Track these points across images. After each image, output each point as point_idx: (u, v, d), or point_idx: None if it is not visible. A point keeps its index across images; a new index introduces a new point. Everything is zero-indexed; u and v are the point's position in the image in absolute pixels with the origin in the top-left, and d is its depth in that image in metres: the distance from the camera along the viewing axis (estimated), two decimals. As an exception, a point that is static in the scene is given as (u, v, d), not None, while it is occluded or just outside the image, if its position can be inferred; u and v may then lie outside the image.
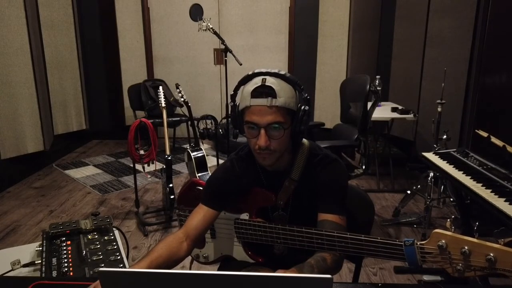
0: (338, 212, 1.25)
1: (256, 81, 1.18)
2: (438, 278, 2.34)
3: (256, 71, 1.21)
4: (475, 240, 0.93)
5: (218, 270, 1.52)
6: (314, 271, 1.14)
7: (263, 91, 1.15)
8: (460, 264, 0.94)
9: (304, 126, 1.20)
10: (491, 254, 0.90)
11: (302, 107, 1.19)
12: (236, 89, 1.25)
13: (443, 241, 0.95)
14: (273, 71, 1.20)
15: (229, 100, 1.28)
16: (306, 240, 1.17)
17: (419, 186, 3.13)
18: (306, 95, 1.22)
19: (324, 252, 1.19)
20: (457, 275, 0.95)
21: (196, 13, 3.34)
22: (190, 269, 1.83)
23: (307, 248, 1.18)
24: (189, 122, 3.71)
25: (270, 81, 1.17)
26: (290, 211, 1.34)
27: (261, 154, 1.21)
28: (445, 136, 2.79)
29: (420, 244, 1.01)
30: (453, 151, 2.28)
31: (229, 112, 1.28)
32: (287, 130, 1.18)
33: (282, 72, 1.20)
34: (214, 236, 1.49)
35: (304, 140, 1.31)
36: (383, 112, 3.72)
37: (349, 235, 1.10)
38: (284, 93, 1.16)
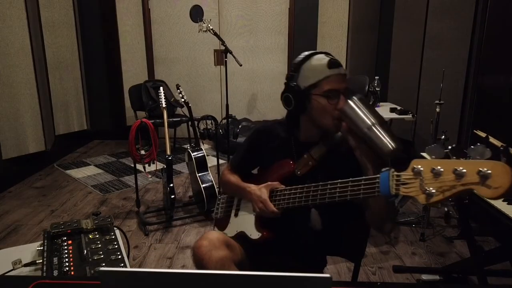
0: None
1: (320, 57, 1.34)
2: (437, 277, 2.35)
3: (308, 53, 1.37)
4: (449, 160, 0.92)
5: None
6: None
7: (336, 63, 1.33)
8: (431, 188, 0.91)
9: None
10: (460, 168, 0.88)
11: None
12: (296, 70, 1.36)
13: (419, 166, 0.94)
14: (326, 52, 1.39)
15: (291, 82, 1.37)
16: (320, 193, 1.25)
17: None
18: None
19: None
20: (426, 202, 0.93)
21: (196, 14, 3.35)
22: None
23: (321, 201, 1.25)
24: (190, 123, 3.73)
25: (331, 56, 1.35)
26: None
27: (337, 121, 1.31)
28: (443, 137, 2.79)
29: (397, 172, 1.03)
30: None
31: (289, 94, 1.37)
32: None
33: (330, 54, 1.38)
34: (237, 215, 1.56)
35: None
36: (382, 112, 3.70)
37: (338, 182, 1.21)
38: None
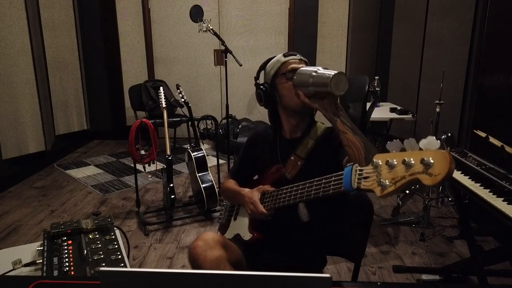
0: None
1: (279, 55, 1.48)
2: (437, 277, 2.35)
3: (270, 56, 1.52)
4: (399, 152, 0.93)
5: None
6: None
7: (292, 52, 1.47)
8: (385, 179, 0.93)
9: None
10: (409, 158, 0.88)
11: None
12: (259, 73, 1.53)
13: (378, 160, 0.96)
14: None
15: (259, 85, 1.50)
16: (294, 192, 1.31)
17: (417, 186, 3.14)
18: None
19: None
20: (381, 194, 0.94)
21: (196, 14, 3.35)
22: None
23: (300, 199, 1.29)
24: (190, 123, 3.73)
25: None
26: None
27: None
28: (443, 136, 2.80)
29: (360, 168, 1.05)
30: (452, 151, 2.30)
31: (259, 91, 1.49)
32: None
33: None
34: (236, 218, 1.62)
35: (321, 124, 1.51)
36: (382, 112, 3.73)
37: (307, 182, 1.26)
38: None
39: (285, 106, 1.46)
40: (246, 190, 1.48)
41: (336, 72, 1.22)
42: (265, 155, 1.55)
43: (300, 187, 1.28)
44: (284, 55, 1.46)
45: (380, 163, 0.96)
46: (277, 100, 1.47)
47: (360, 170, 1.04)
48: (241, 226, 1.55)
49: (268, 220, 1.41)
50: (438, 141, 0.86)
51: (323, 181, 1.19)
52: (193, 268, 1.34)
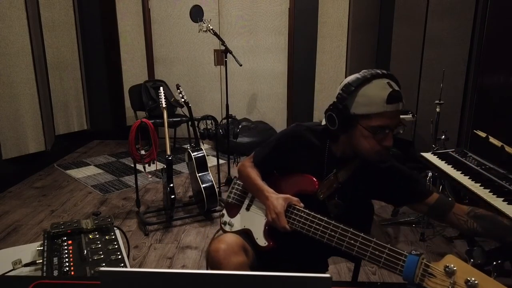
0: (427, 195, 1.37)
1: (382, 85, 1.22)
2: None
3: (371, 72, 1.25)
4: (486, 276, 0.87)
5: None
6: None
7: (397, 97, 1.21)
8: None
9: None
10: None
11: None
12: (349, 92, 1.24)
13: (453, 266, 0.89)
14: (388, 72, 1.27)
15: (339, 105, 1.28)
16: (340, 238, 1.19)
17: None
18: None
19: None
20: None
21: (196, 14, 3.35)
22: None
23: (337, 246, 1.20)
24: (190, 123, 3.73)
25: (394, 85, 1.24)
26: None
27: (384, 154, 1.30)
28: (443, 136, 2.80)
29: (426, 260, 0.96)
30: (452, 151, 2.30)
31: (334, 114, 1.28)
32: None
33: (392, 74, 1.28)
34: (249, 209, 1.53)
35: None
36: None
37: (362, 235, 1.14)
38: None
39: (352, 144, 1.31)
40: (271, 194, 1.36)
41: None
42: (306, 157, 1.42)
43: (340, 231, 1.18)
44: (388, 100, 1.19)
45: (455, 270, 0.89)
46: (348, 132, 1.29)
47: (426, 266, 0.96)
48: (255, 224, 1.47)
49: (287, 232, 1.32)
50: None
51: (373, 244, 1.10)
52: (212, 270, 1.30)
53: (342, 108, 1.26)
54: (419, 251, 1.00)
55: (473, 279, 0.86)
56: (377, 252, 1.09)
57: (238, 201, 1.59)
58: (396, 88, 1.23)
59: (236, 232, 1.51)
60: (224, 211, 1.61)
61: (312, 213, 1.27)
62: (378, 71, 1.25)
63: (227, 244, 1.32)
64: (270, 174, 1.54)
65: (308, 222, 1.26)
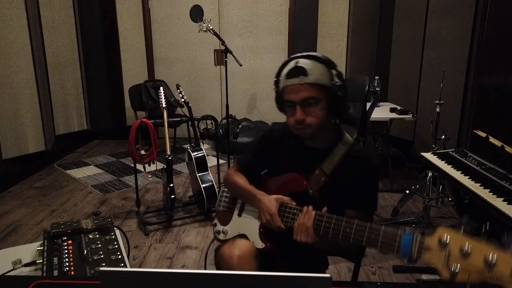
0: (364, 211, 1.36)
1: (291, 64, 1.31)
2: (437, 277, 2.35)
3: (292, 56, 1.35)
4: (478, 241, 0.89)
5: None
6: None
7: (295, 71, 1.28)
8: (458, 265, 0.89)
9: (338, 101, 1.31)
10: (491, 257, 0.85)
11: (334, 82, 1.29)
12: (278, 76, 1.37)
13: (446, 237, 0.92)
14: (306, 54, 1.33)
15: (273, 87, 1.40)
16: (335, 227, 1.19)
17: (417, 186, 3.14)
18: (339, 71, 1.32)
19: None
20: (449, 278, 0.89)
21: (196, 14, 3.35)
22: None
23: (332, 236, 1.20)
24: (190, 123, 3.73)
25: (302, 62, 1.30)
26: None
27: (298, 129, 1.32)
28: (443, 136, 2.80)
29: (421, 237, 0.99)
30: (452, 151, 2.30)
31: (275, 98, 1.39)
32: (321, 104, 1.29)
33: (314, 54, 1.32)
34: (241, 215, 1.52)
35: (348, 136, 1.39)
36: (382, 112, 3.73)
37: (356, 221, 1.16)
38: (315, 71, 1.28)
39: None
40: (263, 196, 1.37)
41: None
42: (284, 157, 1.44)
43: (334, 222, 1.18)
44: (287, 75, 1.30)
45: (448, 242, 0.91)
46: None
47: (421, 242, 0.98)
48: (249, 228, 1.45)
49: (283, 231, 1.32)
50: None
51: (368, 229, 1.11)
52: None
53: (276, 90, 1.38)
54: (412, 230, 1.03)
55: (466, 246, 0.89)
56: (373, 236, 1.11)
57: (229, 208, 1.58)
58: (300, 65, 1.28)
59: (231, 239, 1.49)
60: (216, 221, 1.60)
61: (303, 208, 1.28)
62: (302, 54, 1.33)
63: (241, 251, 1.33)
64: (257, 179, 1.54)
65: None
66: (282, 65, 1.36)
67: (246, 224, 1.49)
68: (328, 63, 1.30)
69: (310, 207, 1.26)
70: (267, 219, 1.33)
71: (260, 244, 1.41)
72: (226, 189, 1.63)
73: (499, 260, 0.85)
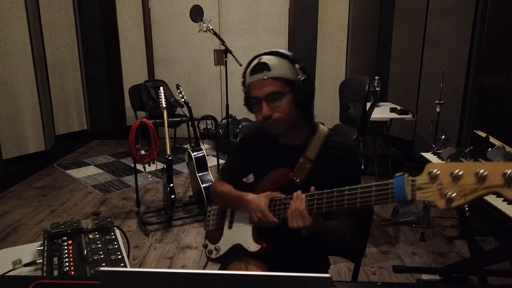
0: None
1: (255, 62, 1.33)
2: (437, 277, 2.35)
3: (256, 54, 1.35)
4: (467, 163, 0.90)
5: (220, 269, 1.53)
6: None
7: (259, 67, 1.29)
8: (451, 192, 0.89)
9: (304, 94, 1.30)
10: (482, 170, 0.85)
11: (299, 76, 1.29)
12: (244, 75, 1.38)
13: (435, 170, 0.92)
14: (269, 51, 1.34)
15: (242, 87, 1.41)
16: (326, 200, 1.18)
17: None
18: (304, 66, 1.32)
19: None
20: (446, 207, 0.90)
21: (196, 14, 3.35)
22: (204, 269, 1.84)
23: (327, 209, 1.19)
24: (190, 123, 3.73)
25: (265, 58, 1.31)
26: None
27: (268, 125, 1.33)
28: (443, 136, 2.80)
29: (412, 177, 0.99)
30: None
31: (244, 99, 1.41)
32: (286, 97, 1.29)
33: (277, 50, 1.33)
34: (231, 227, 1.49)
35: (323, 126, 1.39)
36: (382, 112, 3.73)
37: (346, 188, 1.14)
38: (278, 65, 1.28)
39: None
40: (250, 196, 1.37)
41: None
42: (265, 157, 1.43)
43: (325, 195, 1.17)
44: (251, 71, 1.32)
45: (438, 173, 0.91)
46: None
47: (413, 181, 0.97)
48: (242, 236, 1.42)
49: (276, 227, 1.30)
50: (508, 151, 0.84)
51: (359, 190, 1.10)
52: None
53: (243, 89, 1.39)
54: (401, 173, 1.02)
55: (456, 170, 0.89)
56: (366, 194, 1.09)
57: (218, 224, 1.56)
58: (263, 61, 1.29)
59: (226, 254, 1.47)
60: (207, 241, 1.57)
61: (292, 196, 1.26)
62: (264, 51, 1.34)
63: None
64: (242, 185, 1.52)
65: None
66: (247, 65, 1.37)
67: (238, 233, 1.45)
68: (291, 59, 1.31)
69: (299, 191, 1.24)
70: (258, 217, 1.31)
71: (255, 247, 1.37)
72: (212, 208, 1.62)
73: (489, 170, 0.85)
